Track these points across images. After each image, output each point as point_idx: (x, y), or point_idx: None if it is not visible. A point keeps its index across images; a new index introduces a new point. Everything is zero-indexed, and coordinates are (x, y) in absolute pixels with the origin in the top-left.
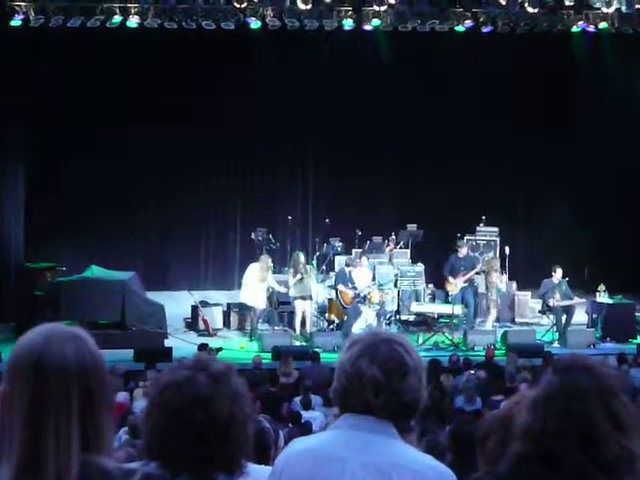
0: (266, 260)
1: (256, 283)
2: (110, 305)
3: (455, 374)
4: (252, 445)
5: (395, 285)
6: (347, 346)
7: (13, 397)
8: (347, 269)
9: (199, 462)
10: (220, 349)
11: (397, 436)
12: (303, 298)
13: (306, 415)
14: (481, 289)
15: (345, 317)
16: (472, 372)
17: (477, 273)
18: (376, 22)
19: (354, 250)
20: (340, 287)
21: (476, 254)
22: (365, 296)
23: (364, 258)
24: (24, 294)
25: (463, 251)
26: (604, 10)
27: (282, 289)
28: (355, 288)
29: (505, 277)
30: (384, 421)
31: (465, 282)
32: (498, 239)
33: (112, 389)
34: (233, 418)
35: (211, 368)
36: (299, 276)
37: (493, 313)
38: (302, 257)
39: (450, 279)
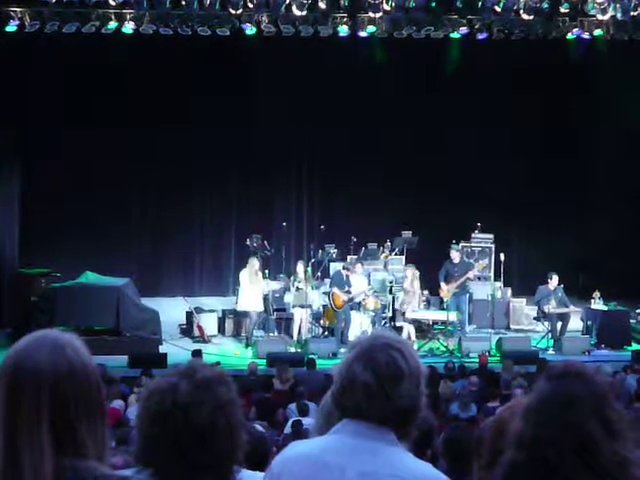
0: (252, 262)
1: (248, 287)
2: (105, 311)
3: (451, 381)
4: (244, 453)
5: (390, 291)
6: (348, 349)
7: None
8: (344, 272)
9: (187, 470)
10: (218, 363)
11: (396, 443)
12: (302, 306)
13: (302, 422)
14: (476, 296)
15: (336, 321)
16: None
17: (469, 278)
18: (371, 29)
19: (349, 257)
20: (334, 289)
21: (471, 260)
22: (360, 303)
23: (358, 265)
24: (19, 300)
25: (456, 256)
26: (599, 17)
27: (278, 285)
28: (349, 292)
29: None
30: (383, 428)
31: (457, 288)
32: (493, 246)
33: (100, 395)
34: (214, 426)
35: (197, 375)
36: (297, 284)
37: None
38: (302, 266)
39: (442, 285)
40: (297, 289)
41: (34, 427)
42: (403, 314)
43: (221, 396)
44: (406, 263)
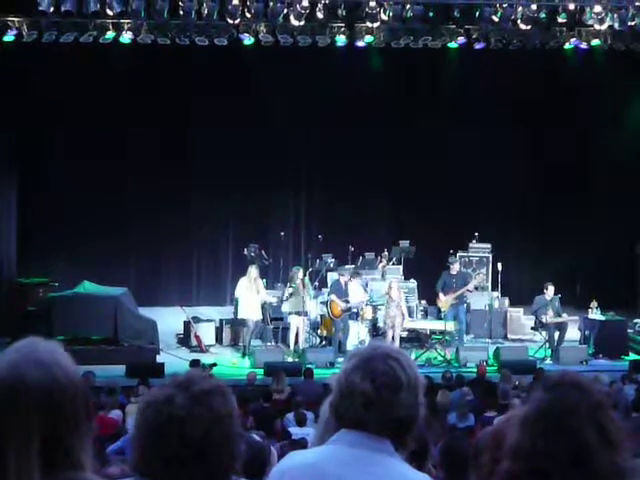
0: (251, 271)
1: (245, 295)
2: (102, 321)
3: (449, 390)
4: (241, 464)
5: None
6: (347, 359)
7: None
8: (342, 279)
9: None
10: (214, 364)
11: (394, 453)
12: (298, 314)
13: (299, 432)
14: (474, 306)
15: (334, 330)
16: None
17: (469, 290)
18: (369, 39)
19: (347, 266)
20: (332, 297)
21: (469, 270)
22: (357, 312)
23: (355, 280)
24: (16, 309)
25: (455, 268)
26: (597, 27)
27: (272, 299)
28: (348, 301)
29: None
30: (381, 438)
31: (456, 299)
32: (490, 255)
33: (88, 408)
34: (210, 438)
35: (194, 387)
36: (290, 290)
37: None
38: (300, 273)
39: (440, 296)
40: (291, 294)
41: (23, 446)
42: (392, 326)
43: (218, 409)
44: (404, 273)
